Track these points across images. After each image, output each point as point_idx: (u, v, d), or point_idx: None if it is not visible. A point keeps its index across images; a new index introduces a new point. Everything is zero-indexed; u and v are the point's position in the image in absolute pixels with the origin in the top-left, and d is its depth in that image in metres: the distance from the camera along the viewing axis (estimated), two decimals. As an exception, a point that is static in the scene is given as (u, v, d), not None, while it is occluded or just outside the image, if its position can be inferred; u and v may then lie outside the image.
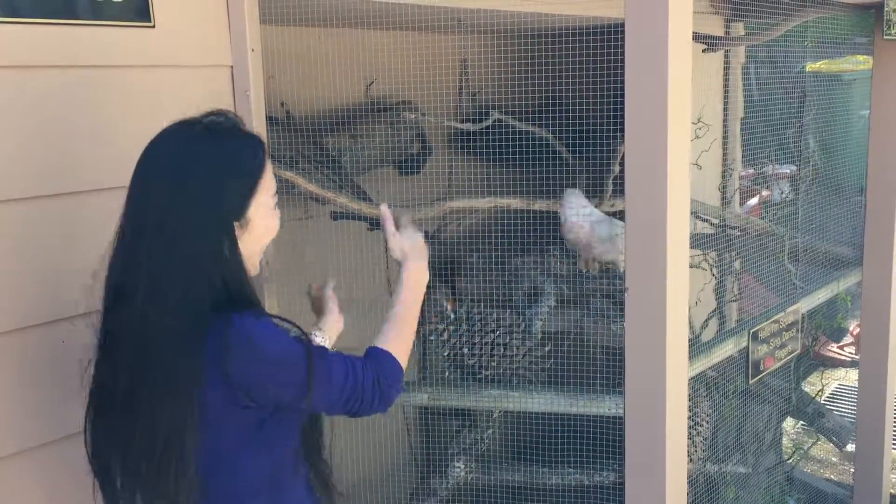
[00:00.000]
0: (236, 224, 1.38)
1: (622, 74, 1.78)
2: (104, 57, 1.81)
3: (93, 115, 1.79)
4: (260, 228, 1.43)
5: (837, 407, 4.82)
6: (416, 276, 1.67)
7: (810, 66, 3.27)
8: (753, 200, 4.41)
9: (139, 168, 1.39)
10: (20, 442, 1.71)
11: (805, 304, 2.72)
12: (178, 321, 1.31)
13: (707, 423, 2.62)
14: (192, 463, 1.34)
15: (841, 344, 5.66)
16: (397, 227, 1.71)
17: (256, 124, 2.06)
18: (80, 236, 1.76)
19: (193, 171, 1.35)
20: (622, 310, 1.90)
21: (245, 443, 1.41)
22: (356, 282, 2.37)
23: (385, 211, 1.73)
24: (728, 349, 2.34)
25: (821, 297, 2.85)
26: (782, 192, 3.25)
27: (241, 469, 1.42)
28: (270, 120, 2.21)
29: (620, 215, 2.32)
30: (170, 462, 1.33)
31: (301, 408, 1.43)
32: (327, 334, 1.76)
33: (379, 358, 1.52)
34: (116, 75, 1.84)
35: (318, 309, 1.84)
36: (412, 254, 1.68)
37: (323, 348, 1.50)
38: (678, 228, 1.83)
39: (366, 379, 1.45)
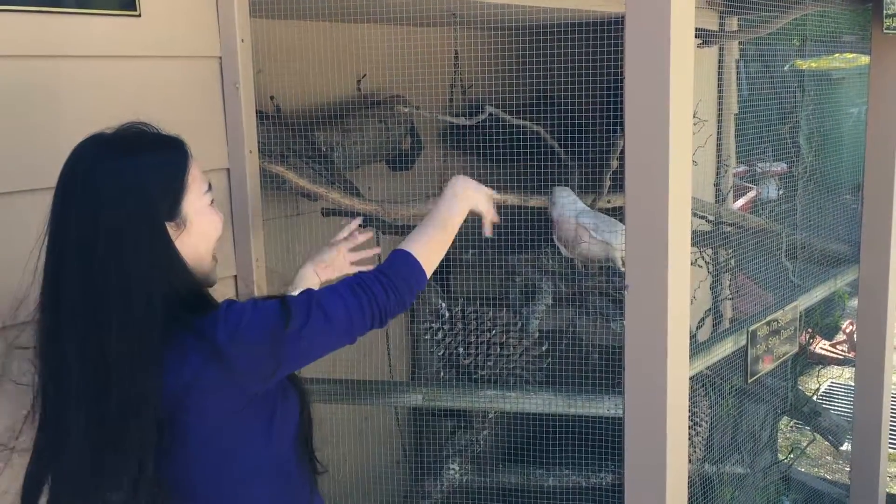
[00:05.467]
0: (172, 224, 1.33)
1: (619, 68, 1.74)
2: (88, 47, 1.75)
3: (76, 108, 1.73)
4: (201, 225, 1.38)
5: (832, 405, 4.82)
6: (444, 206, 1.64)
7: (801, 64, 3.24)
8: (744, 199, 4.39)
9: (56, 197, 1.30)
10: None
11: (802, 302, 2.69)
12: (130, 346, 1.25)
13: (705, 423, 2.58)
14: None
15: (833, 342, 5.66)
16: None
17: (246, 117, 2.01)
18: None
19: (115, 184, 1.29)
20: (621, 308, 1.86)
21: (255, 462, 1.38)
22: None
23: None
24: (727, 348, 2.31)
25: (818, 294, 2.82)
26: (778, 189, 3.22)
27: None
28: (260, 115, 2.15)
29: (618, 211, 2.28)
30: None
31: (326, 351, 1.39)
32: (303, 281, 1.79)
33: (392, 259, 1.49)
34: (100, 66, 1.78)
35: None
36: (451, 189, 1.68)
37: (303, 294, 1.41)
38: (679, 224, 1.79)
39: (374, 292, 1.41)
